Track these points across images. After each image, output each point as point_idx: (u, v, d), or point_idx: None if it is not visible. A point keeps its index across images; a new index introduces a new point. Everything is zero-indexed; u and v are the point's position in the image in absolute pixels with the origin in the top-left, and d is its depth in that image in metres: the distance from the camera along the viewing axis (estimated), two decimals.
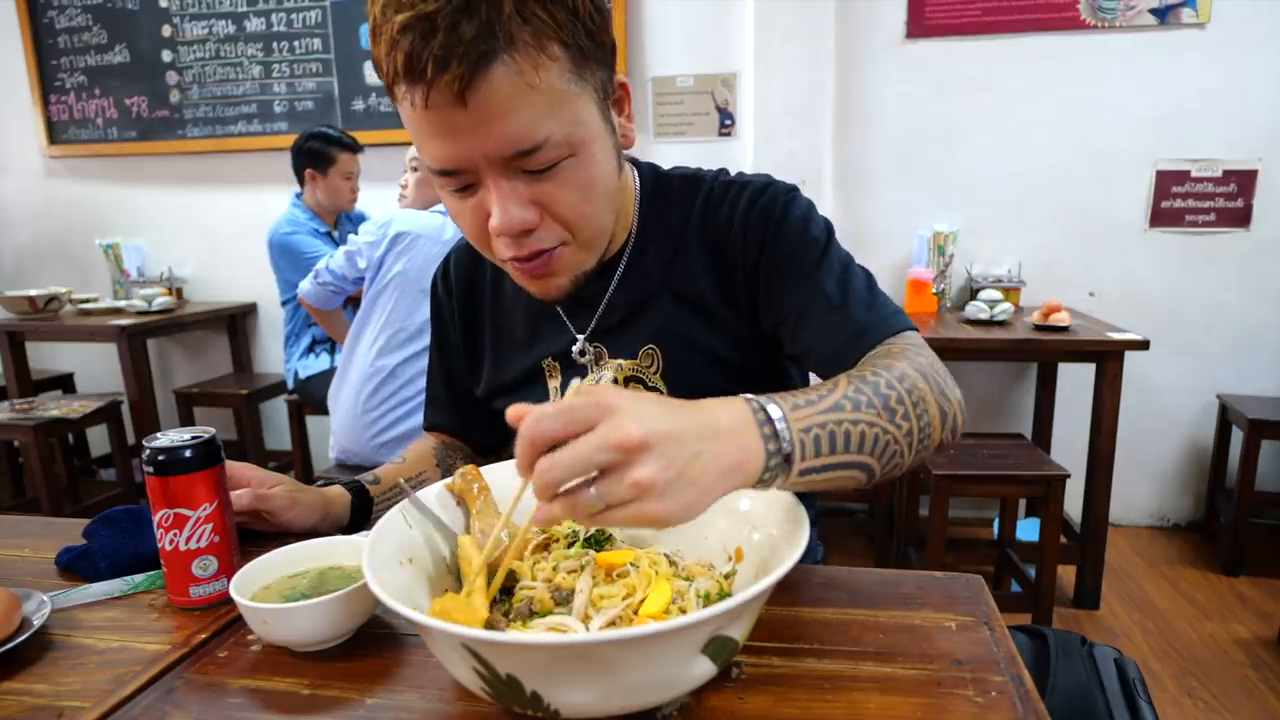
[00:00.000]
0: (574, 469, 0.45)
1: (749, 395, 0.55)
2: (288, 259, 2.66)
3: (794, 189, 0.84)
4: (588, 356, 0.86)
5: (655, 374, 0.84)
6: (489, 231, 0.71)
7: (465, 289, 0.96)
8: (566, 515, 0.47)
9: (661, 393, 0.84)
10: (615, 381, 0.85)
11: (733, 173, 0.88)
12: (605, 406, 0.46)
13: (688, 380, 0.84)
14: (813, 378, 0.79)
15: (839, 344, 0.75)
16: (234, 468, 0.80)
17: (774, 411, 0.53)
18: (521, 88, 0.62)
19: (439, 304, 1.00)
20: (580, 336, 0.86)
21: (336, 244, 2.72)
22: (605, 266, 0.84)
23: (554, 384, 0.89)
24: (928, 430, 0.65)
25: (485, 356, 0.95)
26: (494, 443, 1.07)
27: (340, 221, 2.84)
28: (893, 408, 0.61)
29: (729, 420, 0.51)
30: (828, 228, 0.82)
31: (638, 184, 0.86)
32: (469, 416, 1.03)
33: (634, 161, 0.88)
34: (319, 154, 2.66)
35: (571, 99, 0.66)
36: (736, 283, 0.82)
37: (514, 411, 0.48)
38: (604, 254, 0.81)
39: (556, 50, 0.64)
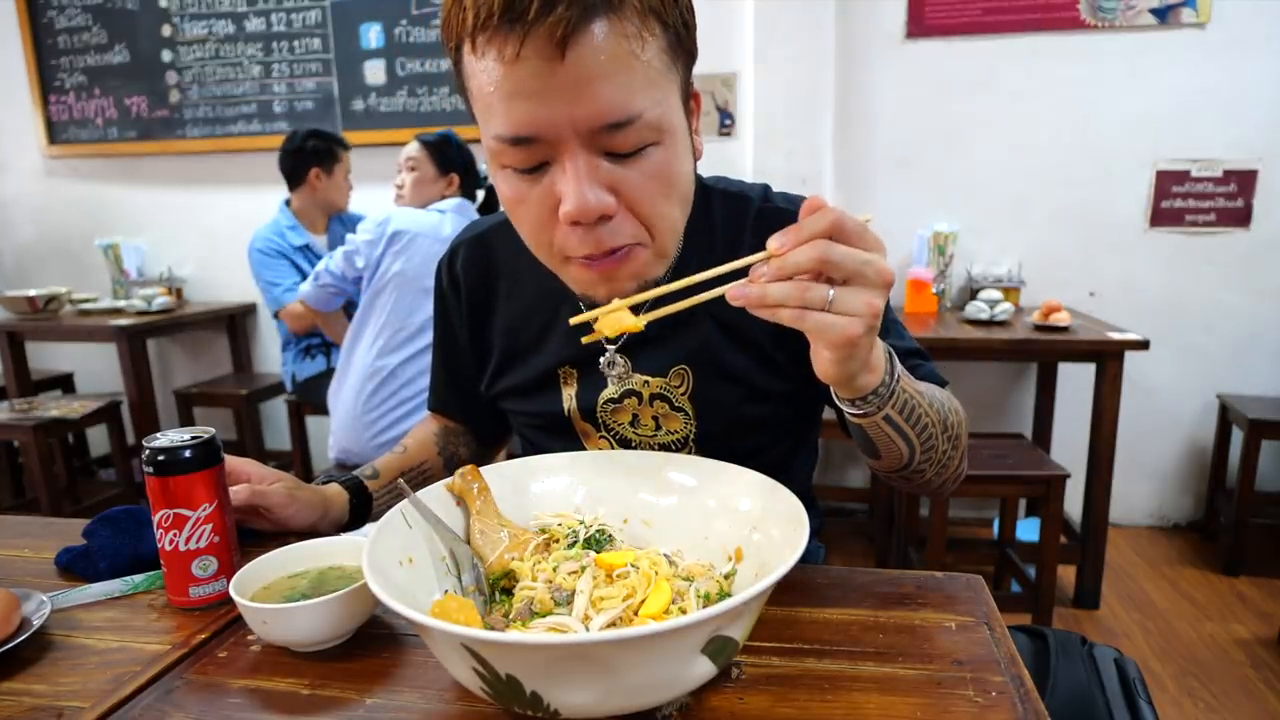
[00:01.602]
0: (848, 262, 0.52)
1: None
2: (253, 273, 2.67)
3: None
4: (616, 369, 0.83)
5: (684, 395, 0.82)
6: (554, 221, 0.65)
7: (475, 283, 0.91)
8: (785, 299, 0.53)
9: (689, 415, 0.82)
10: (640, 399, 0.83)
11: (775, 189, 0.85)
12: (883, 245, 0.55)
13: (716, 407, 0.82)
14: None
15: None
16: (233, 463, 0.79)
17: (896, 362, 0.64)
18: (624, 52, 0.59)
19: (443, 297, 0.95)
20: (610, 347, 0.82)
21: (319, 254, 2.71)
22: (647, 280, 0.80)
23: (569, 390, 0.86)
24: (950, 463, 0.75)
25: (494, 355, 0.91)
26: (499, 434, 1.06)
27: (331, 225, 2.83)
28: (946, 428, 0.72)
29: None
30: None
31: None
32: (473, 407, 1.01)
33: None
34: (325, 152, 2.66)
35: (664, 82, 0.63)
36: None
37: (814, 201, 0.54)
38: None
39: (657, 27, 0.61)
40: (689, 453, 0.84)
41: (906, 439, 0.67)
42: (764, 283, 0.53)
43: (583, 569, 0.61)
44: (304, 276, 2.56)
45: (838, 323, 0.53)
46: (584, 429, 0.87)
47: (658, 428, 0.84)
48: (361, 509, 0.89)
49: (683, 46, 0.65)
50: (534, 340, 0.88)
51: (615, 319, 0.62)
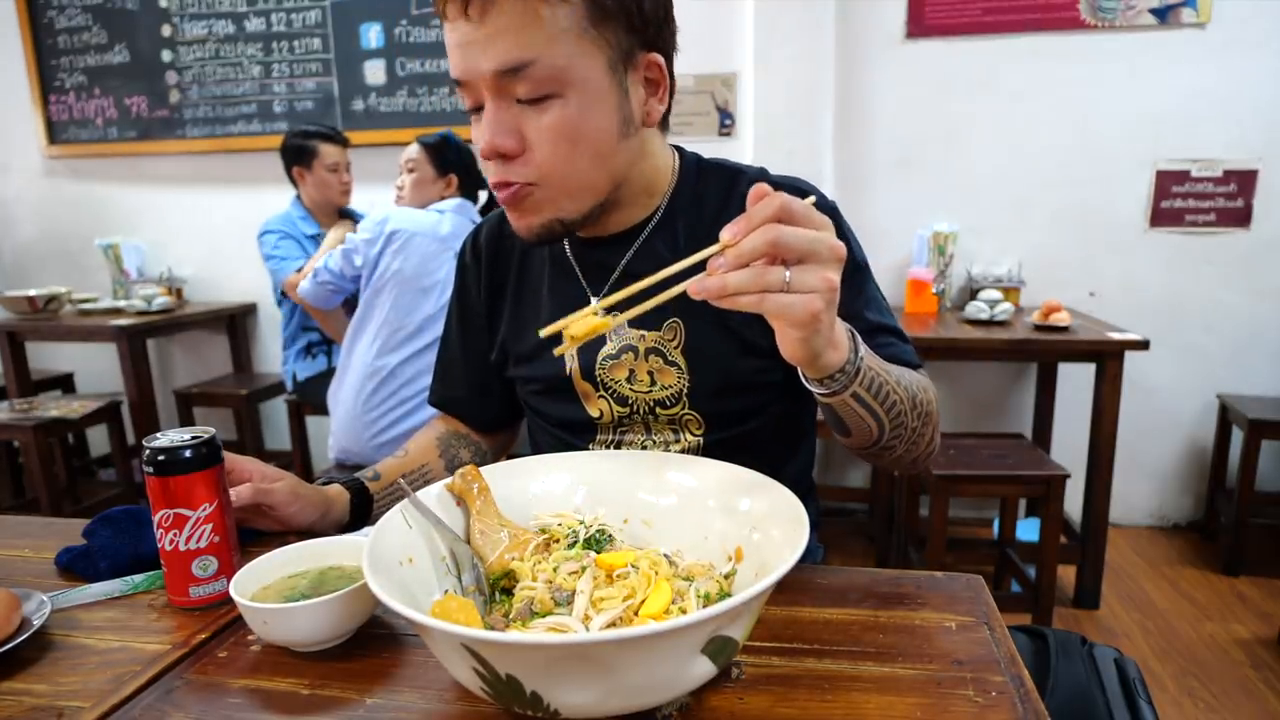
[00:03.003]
0: (798, 242, 0.54)
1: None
2: (261, 253, 2.67)
3: (835, 205, 0.86)
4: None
5: (676, 348, 0.85)
6: None
7: (493, 256, 0.97)
8: (744, 285, 0.54)
9: (681, 368, 0.86)
10: (636, 353, 0.86)
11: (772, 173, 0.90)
12: (829, 223, 0.56)
13: (708, 359, 0.85)
14: None
15: None
16: (235, 460, 0.80)
17: (859, 341, 0.66)
18: (525, 13, 0.69)
19: (465, 270, 1.00)
20: (595, 299, 0.87)
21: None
22: (626, 234, 0.87)
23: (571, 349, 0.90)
24: (921, 439, 0.78)
25: (504, 321, 0.97)
26: (503, 420, 1.07)
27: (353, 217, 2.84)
28: (915, 405, 0.74)
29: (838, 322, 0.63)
30: (862, 252, 0.87)
31: (679, 165, 0.89)
32: (482, 388, 1.02)
33: (679, 149, 0.91)
34: (301, 149, 2.66)
35: (574, 42, 0.71)
36: None
37: (759, 189, 0.55)
38: (625, 223, 0.86)
39: None
40: (683, 408, 0.87)
41: (875, 416, 0.70)
42: (722, 274, 0.55)
43: (583, 569, 0.61)
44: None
45: (797, 301, 0.55)
46: (584, 389, 0.90)
47: (653, 383, 0.87)
48: (362, 510, 0.90)
49: (613, 16, 0.72)
50: (540, 304, 0.93)
51: (585, 322, 0.63)
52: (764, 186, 0.56)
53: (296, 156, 2.67)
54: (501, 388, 1.02)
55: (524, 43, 0.69)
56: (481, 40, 0.69)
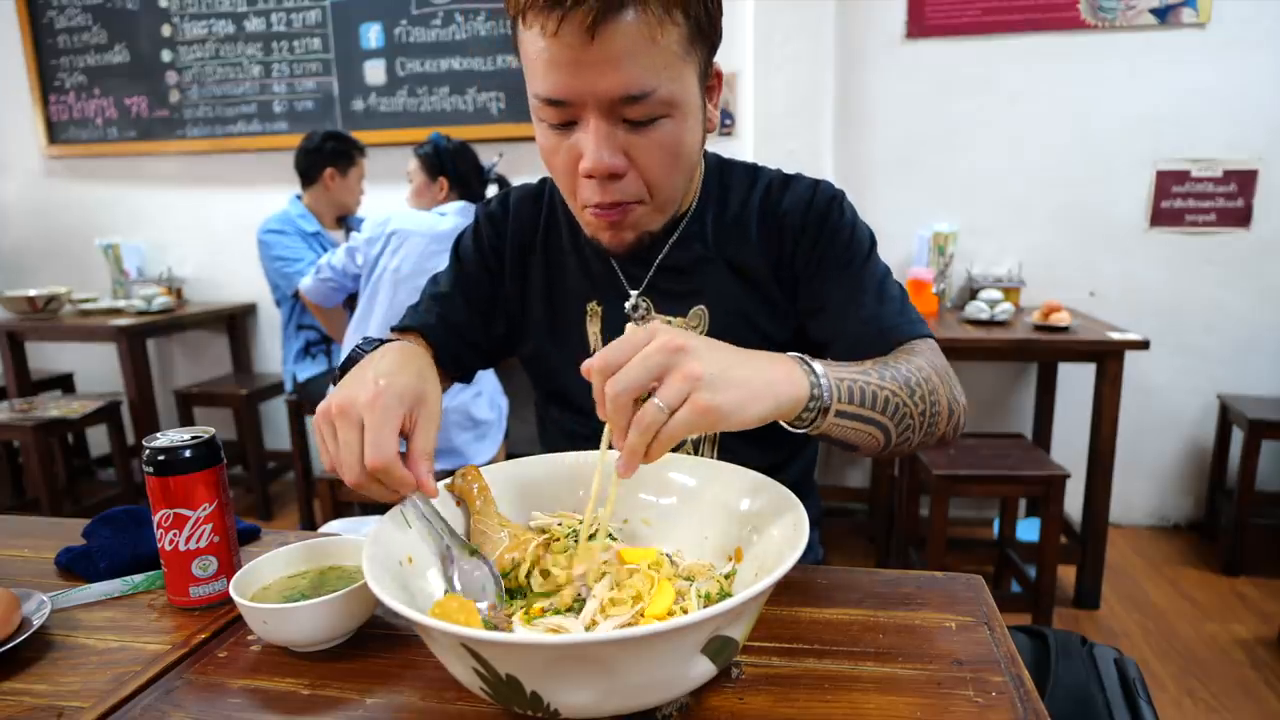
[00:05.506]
0: (636, 373, 0.53)
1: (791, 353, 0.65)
2: (264, 255, 2.67)
3: (843, 193, 0.91)
4: (640, 311, 0.91)
5: (701, 334, 0.87)
6: (577, 172, 0.75)
7: (519, 216, 0.95)
8: (642, 440, 0.53)
9: None
10: None
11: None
12: (654, 330, 0.56)
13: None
14: None
15: (866, 337, 0.82)
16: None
17: (814, 363, 0.64)
18: (644, 39, 0.68)
19: (492, 220, 0.97)
20: (634, 292, 0.90)
21: (326, 243, 2.73)
22: (664, 229, 0.88)
23: (594, 329, 0.92)
24: (937, 417, 0.75)
25: (532, 284, 0.95)
26: (465, 365, 0.99)
27: (350, 224, 2.85)
28: (911, 388, 0.72)
29: (774, 358, 0.62)
30: (871, 237, 0.90)
31: (702, 164, 0.92)
32: (466, 329, 0.96)
33: None
34: (343, 153, 2.70)
35: (681, 64, 0.72)
36: (786, 264, 0.89)
37: (586, 365, 0.56)
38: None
39: (679, 17, 0.70)
40: None
41: (874, 423, 0.69)
42: (622, 448, 0.54)
43: (603, 574, 0.59)
44: (318, 258, 2.57)
45: (686, 413, 0.53)
46: None
47: None
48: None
49: (703, 34, 0.74)
50: (571, 285, 0.93)
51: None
52: (589, 363, 0.56)
53: (335, 159, 2.69)
54: (483, 342, 0.97)
55: (646, 68, 0.69)
56: (600, 63, 0.68)
